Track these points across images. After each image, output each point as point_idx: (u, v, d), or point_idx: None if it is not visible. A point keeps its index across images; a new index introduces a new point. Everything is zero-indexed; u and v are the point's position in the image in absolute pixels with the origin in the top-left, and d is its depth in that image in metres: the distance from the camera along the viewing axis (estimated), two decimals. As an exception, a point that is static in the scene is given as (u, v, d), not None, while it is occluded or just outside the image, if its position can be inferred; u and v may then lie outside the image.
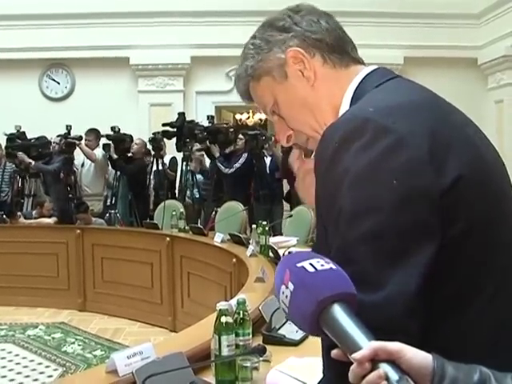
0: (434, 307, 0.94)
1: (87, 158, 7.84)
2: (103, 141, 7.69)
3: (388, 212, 0.93)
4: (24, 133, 7.70)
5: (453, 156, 0.97)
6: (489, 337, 0.98)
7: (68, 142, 7.53)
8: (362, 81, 1.15)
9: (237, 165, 7.34)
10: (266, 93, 1.23)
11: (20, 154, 7.48)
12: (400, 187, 0.93)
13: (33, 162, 7.50)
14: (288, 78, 1.19)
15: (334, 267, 0.89)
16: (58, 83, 9.73)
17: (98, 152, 7.87)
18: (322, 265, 0.89)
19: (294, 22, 1.20)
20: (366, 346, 0.81)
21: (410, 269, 0.91)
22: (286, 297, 0.89)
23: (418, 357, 0.83)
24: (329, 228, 1.00)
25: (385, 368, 0.80)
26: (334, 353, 0.86)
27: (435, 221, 0.93)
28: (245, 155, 7.43)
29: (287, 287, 0.89)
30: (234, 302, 2.28)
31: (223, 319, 2.08)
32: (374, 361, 0.81)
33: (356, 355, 0.81)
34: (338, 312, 0.85)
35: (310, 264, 0.89)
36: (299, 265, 0.89)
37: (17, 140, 7.62)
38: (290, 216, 5.79)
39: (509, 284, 1.01)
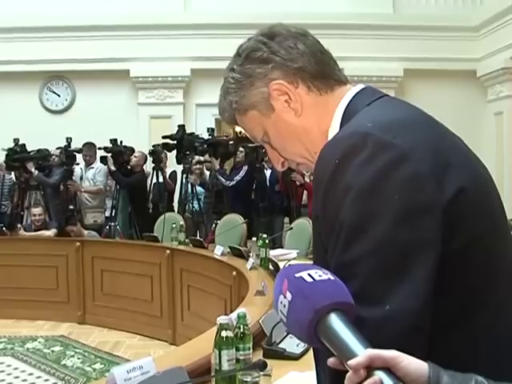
0: (440, 320, 0.94)
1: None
2: (101, 153, 7.68)
3: (389, 227, 0.92)
4: (24, 145, 7.70)
5: (453, 170, 0.97)
6: (499, 345, 0.98)
7: (68, 155, 7.54)
8: (350, 101, 1.14)
9: (237, 177, 7.36)
10: (255, 125, 1.22)
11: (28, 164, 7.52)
12: (401, 202, 0.93)
13: (35, 172, 7.51)
14: (275, 111, 1.18)
15: (331, 278, 0.89)
16: (59, 96, 9.75)
17: (100, 180, 7.87)
18: (320, 275, 0.89)
19: (272, 51, 1.16)
20: (362, 353, 0.81)
21: (412, 284, 0.90)
22: (284, 306, 0.89)
23: (414, 364, 0.83)
24: (329, 246, 0.99)
25: (380, 375, 0.80)
26: (331, 361, 0.86)
27: (437, 235, 0.93)
28: (245, 168, 7.45)
29: (285, 297, 0.89)
30: (234, 315, 2.27)
31: (223, 333, 2.07)
32: (370, 368, 0.81)
33: (351, 362, 0.81)
34: (335, 321, 0.85)
35: (308, 274, 0.89)
36: (297, 275, 0.90)
37: (16, 153, 7.62)
38: (291, 229, 5.78)
39: None
